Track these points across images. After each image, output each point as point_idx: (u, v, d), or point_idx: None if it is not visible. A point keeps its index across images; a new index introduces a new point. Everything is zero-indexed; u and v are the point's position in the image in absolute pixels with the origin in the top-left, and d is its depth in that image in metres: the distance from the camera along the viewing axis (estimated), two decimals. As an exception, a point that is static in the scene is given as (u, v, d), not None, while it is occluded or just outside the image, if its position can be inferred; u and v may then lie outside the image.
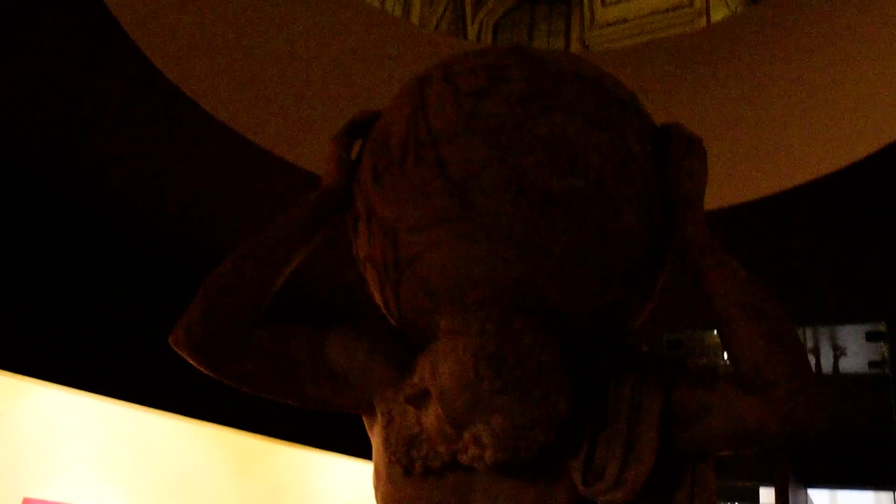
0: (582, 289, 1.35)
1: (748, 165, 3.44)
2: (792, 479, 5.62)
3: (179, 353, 1.39)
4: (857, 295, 4.34)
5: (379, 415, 1.41)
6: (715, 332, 3.88)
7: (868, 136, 3.17)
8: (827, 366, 4.83)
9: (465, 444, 1.25)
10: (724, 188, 3.10)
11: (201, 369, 1.41)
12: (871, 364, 4.08)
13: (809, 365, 1.27)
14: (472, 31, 7.89)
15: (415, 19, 6.55)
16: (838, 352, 4.36)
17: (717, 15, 6.62)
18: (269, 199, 4.30)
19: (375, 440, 1.47)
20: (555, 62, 1.43)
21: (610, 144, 1.35)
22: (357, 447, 6.60)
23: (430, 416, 1.28)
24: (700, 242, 1.37)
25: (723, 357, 4.65)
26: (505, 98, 1.35)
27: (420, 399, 1.29)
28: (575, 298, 1.36)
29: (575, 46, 7.58)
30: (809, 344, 4.49)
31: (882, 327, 3.89)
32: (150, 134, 3.89)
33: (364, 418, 1.53)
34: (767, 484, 6.27)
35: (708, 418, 1.29)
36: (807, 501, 8.54)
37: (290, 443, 6.27)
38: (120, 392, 5.02)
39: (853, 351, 4.20)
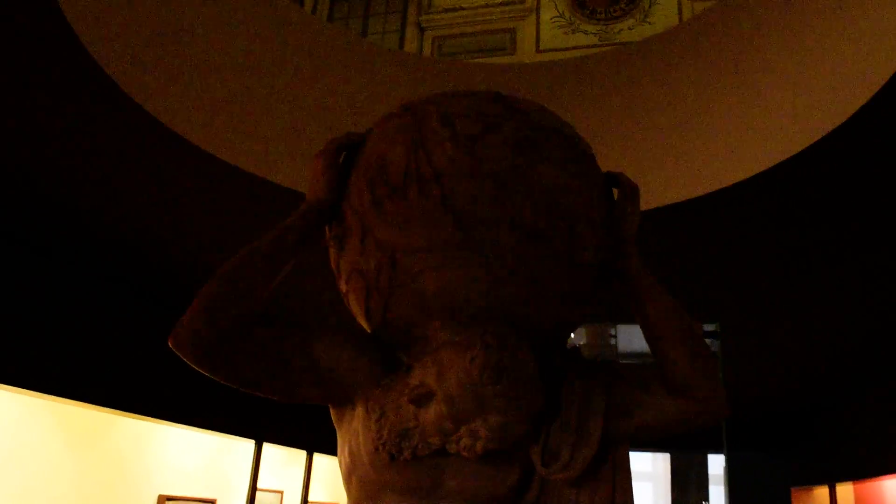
0: (554, 308, 1.61)
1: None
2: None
3: (179, 354, 1.47)
4: (695, 300, 5.19)
5: (363, 409, 1.58)
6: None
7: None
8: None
9: (459, 436, 1.46)
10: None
11: (200, 370, 1.50)
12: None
13: (718, 371, 1.63)
14: (308, 3, 7.92)
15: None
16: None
17: (546, 15, 7.15)
18: (218, 206, 4.21)
19: (352, 430, 1.62)
20: (535, 115, 1.66)
21: (580, 191, 1.61)
22: (195, 417, 6.61)
23: (431, 414, 1.47)
24: (640, 274, 1.68)
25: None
26: (500, 145, 1.55)
27: (423, 399, 1.47)
28: (548, 315, 1.62)
29: (411, 30, 7.83)
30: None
31: (715, 327, 4.66)
32: (109, 148, 3.72)
33: (334, 411, 1.69)
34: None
35: (643, 413, 1.61)
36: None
37: (127, 413, 6.10)
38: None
39: None
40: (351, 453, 1.62)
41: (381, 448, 1.51)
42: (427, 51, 6.94)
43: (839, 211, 3.83)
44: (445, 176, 1.53)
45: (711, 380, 1.58)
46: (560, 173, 1.59)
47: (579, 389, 1.61)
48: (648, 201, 3.70)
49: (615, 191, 1.79)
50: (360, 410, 1.60)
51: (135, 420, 6.62)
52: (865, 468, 8.17)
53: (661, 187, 3.64)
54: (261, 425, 7.35)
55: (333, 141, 1.71)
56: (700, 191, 3.61)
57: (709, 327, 4.64)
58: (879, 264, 4.44)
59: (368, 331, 1.73)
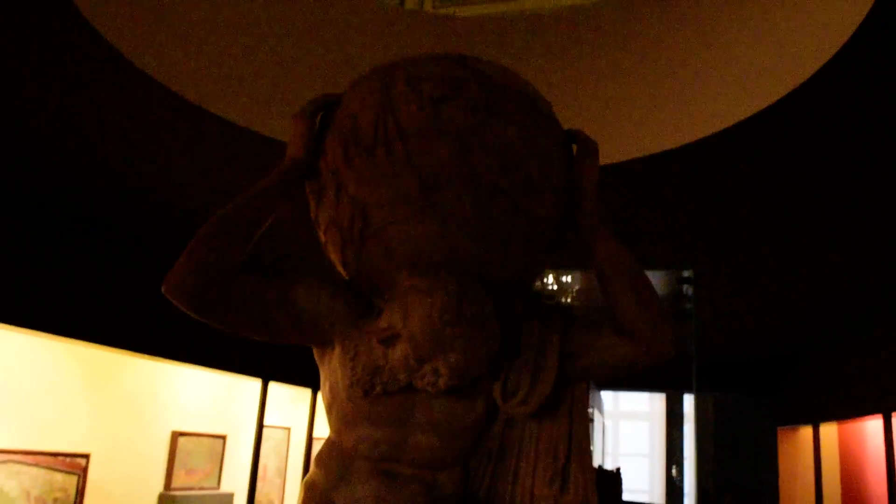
0: (512, 258, 1.75)
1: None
2: (591, 383, 6.64)
3: (172, 300, 1.61)
4: (670, 248, 5.42)
5: (339, 349, 1.73)
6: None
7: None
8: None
9: (423, 373, 1.60)
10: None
11: (191, 314, 1.63)
12: (681, 299, 5.05)
13: (665, 314, 1.74)
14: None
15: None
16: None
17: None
18: (200, 154, 4.35)
19: (331, 367, 1.78)
20: (496, 77, 1.74)
21: (538, 149, 1.72)
22: (205, 357, 6.83)
23: (398, 353, 1.61)
24: (595, 226, 1.81)
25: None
26: (462, 107, 1.65)
27: (391, 340, 1.61)
28: (507, 266, 1.75)
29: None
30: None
31: (690, 274, 4.91)
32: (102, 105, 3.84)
33: (316, 351, 1.85)
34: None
35: (595, 353, 1.76)
36: (600, 400, 9.94)
37: (140, 354, 6.33)
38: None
39: (667, 292, 5.16)
40: (331, 389, 1.79)
41: (355, 384, 1.66)
42: (427, 5, 7.00)
43: (812, 159, 3.98)
44: (411, 136, 1.64)
45: (656, 323, 1.71)
46: (520, 133, 1.69)
47: (537, 333, 1.76)
48: (625, 153, 3.90)
49: (575, 147, 1.91)
50: (337, 350, 1.74)
51: (147, 360, 6.83)
52: (848, 409, 8.41)
53: (635, 139, 3.80)
54: (267, 365, 7.52)
55: (311, 103, 1.83)
56: (674, 142, 3.78)
57: (685, 274, 4.88)
58: (854, 210, 4.62)
59: (346, 278, 1.89)
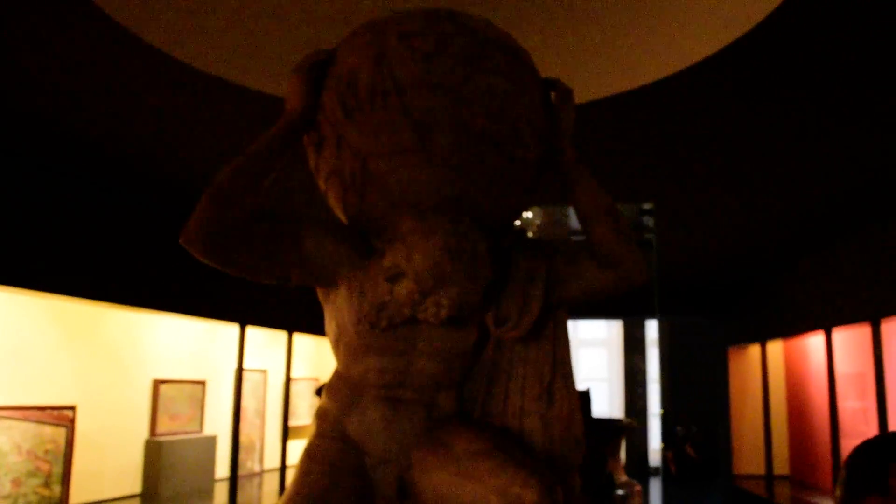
0: (501, 199, 1.88)
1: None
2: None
3: (190, 249, 1.69)
4: (633, 181, 5.70)
5: (345, 289, 1.85)
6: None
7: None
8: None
9: (426, 306, 1.72)
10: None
11: (209, 262, 1.72)
12: (642, 230, 5.36)
13: (635, 245, 1.90)
14: None
15: None
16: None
17: None
18: (205, 116, 4.37)
19: (337, 306, 1.89)
20: (482, 31, 1.83)
21: (521, 97, 1.83)
22: (182, 305, 6.92)
23: (403, 289, 1.72)
24: (573, 165, 1.94)
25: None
26: (451, 60, 1.74)
27: (396, 277, 1.73)
28: (496, 205, 1.88)
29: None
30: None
31: (650, 206, 5.20)
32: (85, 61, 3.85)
33: (320, 292, 1.96)
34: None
35: (578, 281, 1.92)
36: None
37: (117, 305, 6.41)
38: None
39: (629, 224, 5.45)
40: (338, 325, 1.90)
41: (363, 319, 1.79)
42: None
43: (763, 96, 4.22)
44: (405, 89, 1.73)
45: (630, 252, 1.87)
46: (504, 82, 1.79)
47: (524, 264, 1.91)
48: (586, 95, 4.10)
49: (553, 94, 2.00)
50: (343, 290, 1.85)
51: (126, 311, 6.93)
52: (793, 327, 8.93)
53: (597, 81, 3.99)
54: (243, 309, 7.64)
55: (307, 58, 1.87)
56: (632, 84, 3.98)
57: (645, 206, 5.17)
58: (796, 139, 4.89)
59: (346, 223, 2.02)
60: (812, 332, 8.61)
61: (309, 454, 1.92)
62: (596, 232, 1.89)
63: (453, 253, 1.68)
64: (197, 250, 1.69)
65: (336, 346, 1.95)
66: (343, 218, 2.01)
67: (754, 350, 10.60)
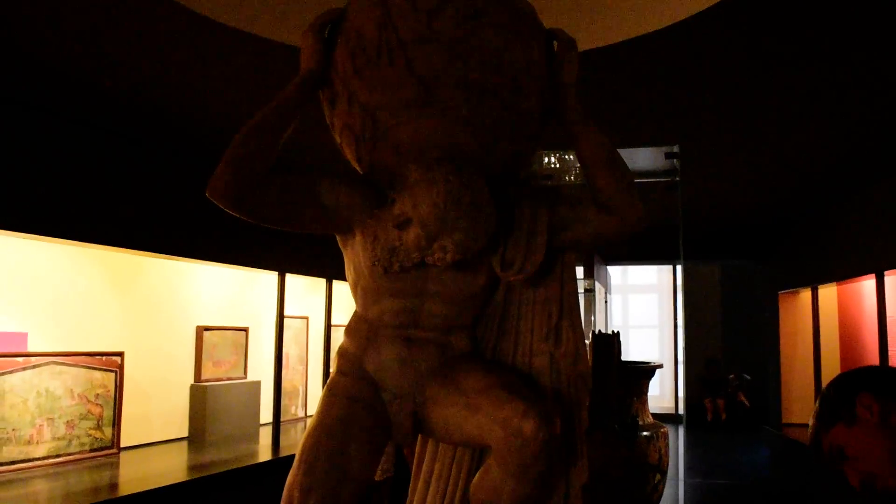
0: (503, 149, 1.97)
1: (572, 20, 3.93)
2: (597, 258, 6.85)
3: (214, 201, 1.79)
4: (658, 125, 5.57)
5: (360, 235, 1.95)
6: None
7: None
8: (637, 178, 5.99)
9: (433, 250, 1.80)
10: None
11: (232, 213, 1.81)
12: (667, 173, 5.26)
13: (636, 191, 1.97)
14: None
15: None
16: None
17: None
18: (230, 70, 4.40)
19: (354, 252, 2.01)
20: None
21: (523, 51, 1.90)
22: (223, 254, 7.03)
23: (411, 235, 1.81)
24: (577, 115, 2.01)
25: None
26: (452, 16, 1.82)
27: (404, 224, 1.82)
28: (498, 155, 1.97)
29: None
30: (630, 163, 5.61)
31: (675, 149, 5.10)
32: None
33: (339, 239, 2.07)
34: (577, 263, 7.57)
35: (580, 226, 2.00)
36: (607, 274, 10.24)
37: (162, 255, 6.60)
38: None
39: (654, 166, 5.34)
40: (355, 269, 2.04)
41: (376, 263, 1.90)
42: None
43: (793, 34, 4.02)
44: (409, 46, 1.83)
45: (631, 199, 1.94)
46: (505, 36, 1.87)
47: (528, 211, 1.99)
48: (608, 38, 3.98)
49: (556, 44, 2.08)
50: (358, 237, 1.97)
51: (169, 261, 7.13)
52: (844, 271, 8.66)
53: (619, 22, 3.87)
54: (283, 258, 7.74)
55: (318, 18, 1.99)
56: (656, 25, 3.85)
57: (671, 149, 5.05)
58: (836, 78, 4.67)
59: (360, 173, 2.11)
60: (863, 277, 8.37)
61: (330, 389, 2.04)
62: (597, 180, 1.96)
63: (456, 200, 1.76)
64: (222, 204, 1.80)
65: (354, 289, 2.08)
66: (358, 169, 2.10)
67: (805, 295, 10.32)
